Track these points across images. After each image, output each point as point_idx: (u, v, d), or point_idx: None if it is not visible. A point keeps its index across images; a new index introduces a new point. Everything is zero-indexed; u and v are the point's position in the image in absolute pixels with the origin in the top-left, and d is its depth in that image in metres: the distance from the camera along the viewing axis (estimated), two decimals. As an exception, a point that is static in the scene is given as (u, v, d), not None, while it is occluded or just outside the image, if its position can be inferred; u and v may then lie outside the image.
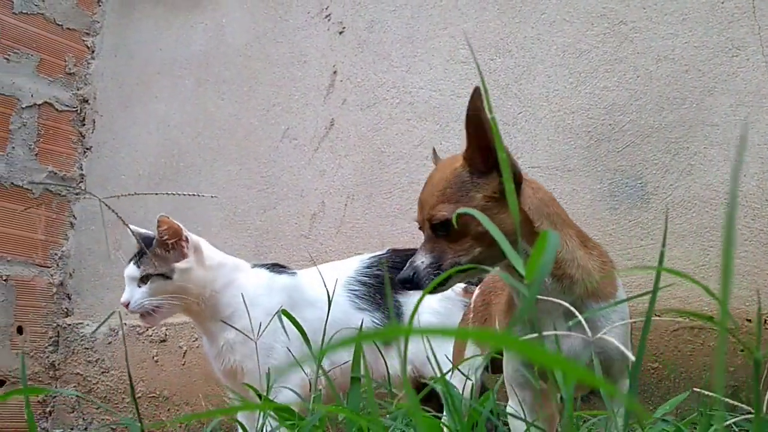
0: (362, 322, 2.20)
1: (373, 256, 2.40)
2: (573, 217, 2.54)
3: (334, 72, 3.08)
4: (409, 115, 2.91)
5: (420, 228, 1.41)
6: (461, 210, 1.23)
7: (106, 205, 1.52)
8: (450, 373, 1.71)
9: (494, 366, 1.77)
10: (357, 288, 2.33)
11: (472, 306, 1.78)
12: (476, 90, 1.29)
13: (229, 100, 3.25)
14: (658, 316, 2.40)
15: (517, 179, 1.34)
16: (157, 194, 3.16)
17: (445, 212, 1.32)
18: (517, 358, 1.39)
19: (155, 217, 3.11)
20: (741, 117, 2.41)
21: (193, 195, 2.98)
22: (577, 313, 1.21)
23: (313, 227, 2.92)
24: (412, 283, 1.33)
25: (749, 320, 2.31)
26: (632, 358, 1.40)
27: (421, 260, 1.34)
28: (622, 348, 1.30)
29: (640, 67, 2.55)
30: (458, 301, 2.26)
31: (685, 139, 2.46)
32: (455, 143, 2.69)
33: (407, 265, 1.36)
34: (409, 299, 2.30)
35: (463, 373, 1.61)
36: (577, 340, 1.33)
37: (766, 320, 2.30)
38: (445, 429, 1.28)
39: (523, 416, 1.38)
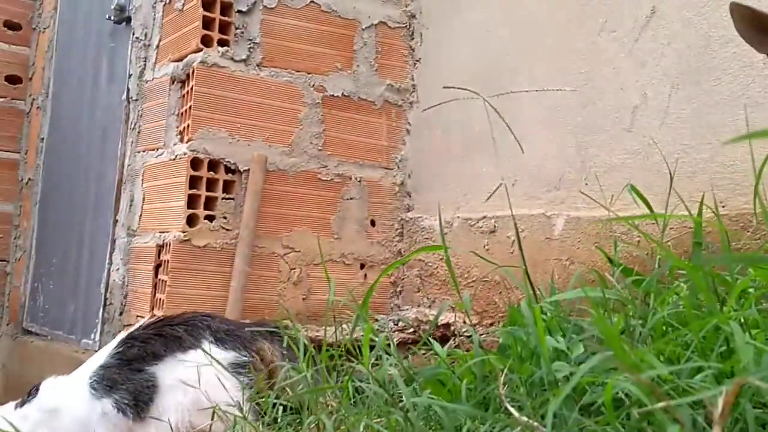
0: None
1: (128, 335, 2.33)
2: None
3: (656, -44, 2.94)
4: (742, -8, 2.68)
5: None
6: None
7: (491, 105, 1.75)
8: None
9: None
10: (97, 375, 2.22)
11: None
12: None
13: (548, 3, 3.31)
14: None
15: None
16: (487, 97, 3.41)
17: None
18: None
19: (480, 119, 3.37)
20: None
21: (543, 90, 3.16)
22: None
23: (635, 120, 2.91)
24: None
25: None
26: None
27: None
28: None
29: None
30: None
31: None
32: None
33: None
34: (165, 367, 2.22)
35: None
36: None
37: None
38: None
39: None
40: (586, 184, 2.98)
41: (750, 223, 2.56)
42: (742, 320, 1.26)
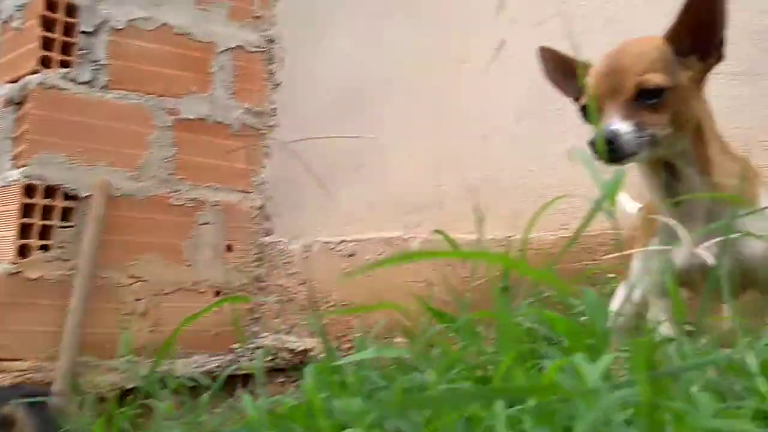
0: None
1: None
2: (759, 124, 2.44)
3: (504, -8, 3.11)
4: (581, 29, 2.88)
5: (586, 102, 1.35)
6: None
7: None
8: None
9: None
10: None
11: (639, 221, 1.74)
12: None
13: (402, 28, 3.40)
14: None
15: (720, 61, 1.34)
16: (327, 137, 3.44)
17: (659, 81, 1.27)
18: (656, 265, 1.39)
19: (338, 146, 3.38)
20: None
21: (355, 137, 3.24)
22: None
23: (486, 147, 3.03)
24: (612, 148, 1.25)
25: None
26: None
27: (619, 125, 1.26)
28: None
29: (839, -44, 2.35)
30: None
31: None
32: (629, 55, 2.65)
33: (599, 128, 1.27)
34: None
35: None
36: (714, 246, 1.30)
37: None
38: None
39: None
40: (441, 208, 3.05)
41: (590, 245, 2.73)
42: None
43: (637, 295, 1.65)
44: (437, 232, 1.64)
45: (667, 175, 1.37)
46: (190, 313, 3.38)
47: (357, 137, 3.22)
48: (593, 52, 2.88)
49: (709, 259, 1.34)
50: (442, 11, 3.26)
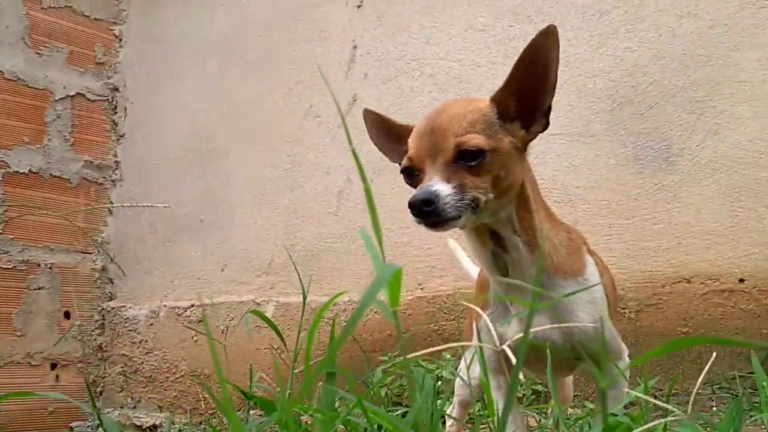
0: None
1: None
2: (597, 183, 2.51)
3: (354, 47, 3.07)
4: (430, 87, 2.89)
5: (413, 168, 1.27)
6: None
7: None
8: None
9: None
10: None
11: (478, 280, 1.70)
12: (552, 27, 1.19)
13: (252, 81, 3.28)
14: (688, 281, 2.36)
15: (544, 129, 1.28)
16: (137, 206, 3.25)
17: (480, 142, 1.20)
18: (491, 342, 1.31)
19: (186, 201, 3.19)
20: (770, 71, 2.33)
21: (149, 206, 3.09)
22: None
23: (340, 204, 2.94)
24: (431, 210, 1.17)
25: (782, 281, 2.26)
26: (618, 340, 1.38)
27: (439, 186, 1.18)
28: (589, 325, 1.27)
29: (663, 25, 2.47)
30: None
31: (711, 98, 2.39)
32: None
33: (419, 189, 1.19)
34: None
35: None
36: (544, 319, 1.28)
37: (800, 280, 2.24)
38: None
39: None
40: (296, 268, 2.92)
41: (445, 304, 2.69)
42: None
43: (474, 371, 1.60)
44: (256, 312, 1.50)
45: (494, 245, 1.31)
46: (22, 389, 3.02)
47: (167, 206, 3.05)
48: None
49: (538, 335, 1.30)
50: (296, 65, 3.17)
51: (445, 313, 2.67)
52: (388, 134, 1.48)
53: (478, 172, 1.21)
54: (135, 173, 3.52)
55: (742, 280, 2.30)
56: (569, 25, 2.63)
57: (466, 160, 1.20)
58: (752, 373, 2.15)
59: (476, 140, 1.20)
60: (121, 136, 3.66)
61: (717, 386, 2.23)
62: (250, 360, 2.89)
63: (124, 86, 3.71)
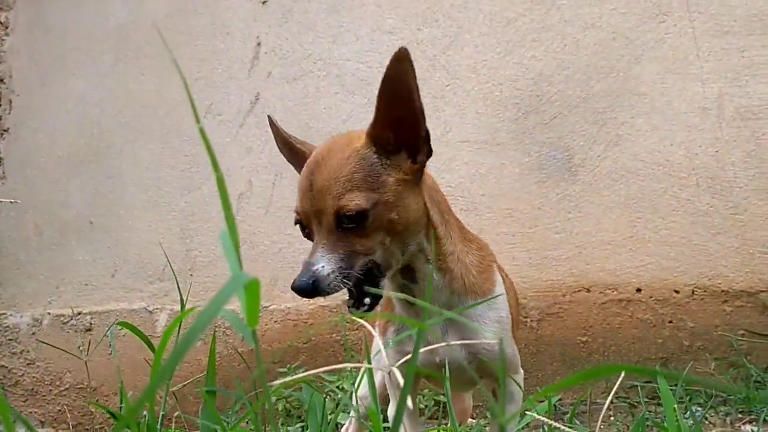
0: None
1: None
2: (502, 192, 2.50)
3: (258, 44, 2.95)
4: (336, 88, 2.81)
5: (303, 223, 1.18)
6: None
7: None
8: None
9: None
10: None
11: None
12: (403, 50, 1.07)
13: (150, 76, 3.10)
14: (588, 290, 2.38)
15: (429, 156, 1.17)
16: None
17: (360, 202, 1.10)
18: (393, 359, 1.27)
19: (75, 201, 2.99)
20: (668, 85, 2.37)
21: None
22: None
23: (240, 207, 2.82)
24: (311, 293, 1.08)
25: (677, 291, 2.30)
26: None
27: (322, 264, 1.09)
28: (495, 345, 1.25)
29: (568, 35, 2.49)
30: None
31: (612, 109, 2.41)
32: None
33: (303, 268, 1.09)
34: None
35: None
36: (453, 340, 1.25)
37: (693, 291, 2.29)
38: None
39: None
40: (191, 275, 2.78)
41: (348, 314, 2.62)
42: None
43: (377, 380, 1.56)
44: (123, 324, 1.37)
45: (402, 278, 1.24)
46: None
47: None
48: (350, 108, 2.80)
49: (444, 356, 1.27)
50: (196, 60, 3.02)
51: (348, 323, 2.60)
52: (290, 149, 1.39)
53: (366, 232, 1.12)
54: (19, 171, 3.26)
55: (639, 290, 2.33)
56: (477, 32, 2.61)
57: (348, 224, 1.11)
58: (649, 381, 2.18)
59: (355, 202, 1.10)
60: (5, 131, 3.39)
61: (616, 396, 2.25)
62: (143, 372, 2.73)
63: (10, 77, 3.44)
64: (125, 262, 2.91)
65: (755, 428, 1.82)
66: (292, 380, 1.56)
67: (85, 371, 2.81)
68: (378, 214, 1.11)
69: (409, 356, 1.23)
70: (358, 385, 1.53)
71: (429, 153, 1.18)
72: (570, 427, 0.86)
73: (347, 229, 1.11)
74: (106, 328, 2.84)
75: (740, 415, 2.04)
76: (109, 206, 2.98)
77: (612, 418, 2.16)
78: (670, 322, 2.30)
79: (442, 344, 1.30)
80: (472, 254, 1.30)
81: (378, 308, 1.41)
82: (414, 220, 1.18)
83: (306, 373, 0.94)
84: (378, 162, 1.15)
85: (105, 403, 2.79)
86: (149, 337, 2.80)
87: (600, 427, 1.81)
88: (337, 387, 2.25)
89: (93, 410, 2.79)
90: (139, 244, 2.89)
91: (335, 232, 1.12)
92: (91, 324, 2.89)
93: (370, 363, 1.29)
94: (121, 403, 1.44)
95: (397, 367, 1.18)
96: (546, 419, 0.95)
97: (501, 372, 1.21)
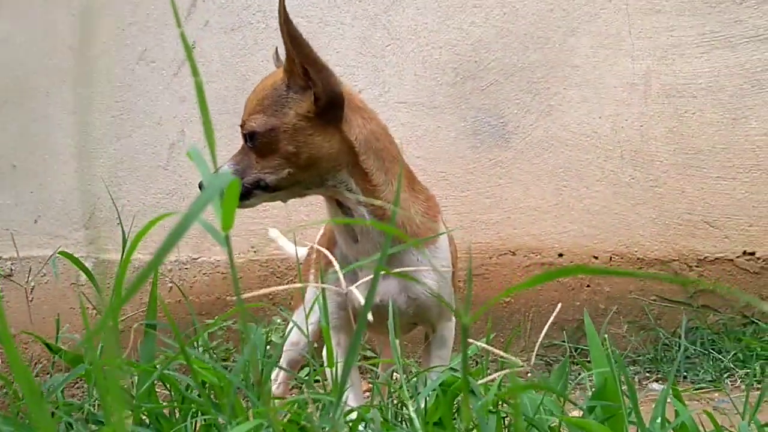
0: None
1: None
2: (437, 155, 2.54)
3: (197, -9, 2.87)
4: (275, 40, 2.76)
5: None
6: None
7: None
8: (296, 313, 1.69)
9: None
10: None
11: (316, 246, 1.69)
12: (280, 9, 1.18)
13: (80, 17, 2.97)
14: (513, 254, 2.47)
15: (338, 102, 1.23)
16: None
17: (254, 123, 1.23)
18: (332, 300, 1.35)
19: (2, 141, 2.85)
20: (600, 59, 2.45)
21: None
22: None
23: (171, 158, 2.77)
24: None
25: (596, 257, 2.42)
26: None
27: (224, 168, 1.25)
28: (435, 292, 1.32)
29: (508, 3, 2.53)
30: None
31: (546, 80, 2.48)
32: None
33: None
34: None
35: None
36: (392, 283, 1.30)
37: (611, 258, 2.41)
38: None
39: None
40: (119, 224, 2.72)
41: (278, 268, 2.63)
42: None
43: (313, 317, 1.59)
44: (63, 254, 1.34)
45: (344, 215, 1.30)
46: None
47: None
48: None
49: (385, 299, 1.31)
50: (130, 3, 2.91)
51: (278, 277, 2.61)
52: None
53: (262, 153, 1.23)
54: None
55: (561, 255, 2.43)
56: (419, -7, 2.62)
57: (250, 142, 1.23)
58: (564, 341, 2.30)
59: (253, 122, 1.23)
60: None
61: (536, 354, 2.36)
62: (66, 320, 2.67)
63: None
64: (49, 209, 2.83)
65: (662, 386, 1.96)
66: (226, 318, 1.57)
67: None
68: (272, 139, 1.22)
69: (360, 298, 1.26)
70: (311, 308, 1.56)
71: (330, 98, 1.23)
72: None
73: (250, 147, 1.24)
74: (27, 275, 2.77)
75: (648, 374, 2.19)
76: (33, 150, 2.87)
77: (529, 375, 2.27)
78: (588, 286, 2.42)
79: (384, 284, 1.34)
80: (418, 205, 1.35)
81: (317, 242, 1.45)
82: (325, 157, 1.23)
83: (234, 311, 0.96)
84: (285, 94, 1.24)
85: (25, 351, 2.73)
86: (72, 286, 2.74)
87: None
88: (267, 339, 2.27)
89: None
90: (64, 190, 2.81)
91: (245, 146, 1.26)
92: (11, 270, 2.81)
93: (324, 284, 1.33)
94: (57, 336, 1.42)
95: (345, 292, 1.24)
96: (487, 346, 0.99)
97: (436, 315, 1.28)
